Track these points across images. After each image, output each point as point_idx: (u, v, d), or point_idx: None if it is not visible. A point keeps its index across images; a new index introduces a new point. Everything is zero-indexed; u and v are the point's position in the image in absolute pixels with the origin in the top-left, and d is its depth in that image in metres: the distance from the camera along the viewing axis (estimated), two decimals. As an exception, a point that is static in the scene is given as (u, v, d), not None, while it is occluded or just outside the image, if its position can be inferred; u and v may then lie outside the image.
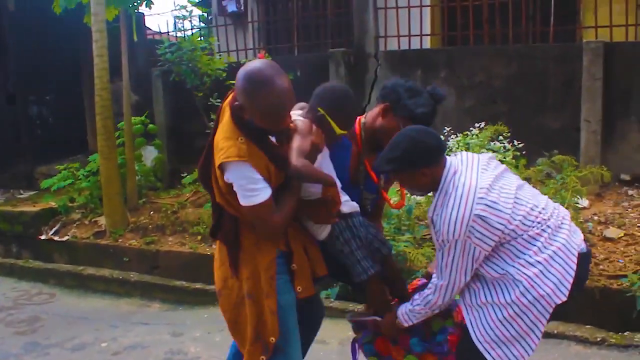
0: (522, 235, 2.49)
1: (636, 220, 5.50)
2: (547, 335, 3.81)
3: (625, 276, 4.71)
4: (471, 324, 2.57)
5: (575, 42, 6.61)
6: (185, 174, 7.58)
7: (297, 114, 2.68)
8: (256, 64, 2.34)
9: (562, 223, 2.60)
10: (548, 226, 2.54)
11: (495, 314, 2.52)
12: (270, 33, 9.62)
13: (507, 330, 2.51)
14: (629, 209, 5.70)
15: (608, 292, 4.67)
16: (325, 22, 8.83)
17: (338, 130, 2.65)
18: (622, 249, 5.13)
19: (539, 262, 2.48)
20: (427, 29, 7.55)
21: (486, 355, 2.52)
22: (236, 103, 2.35)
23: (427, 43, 7.62)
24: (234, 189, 2.41)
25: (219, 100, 7.18)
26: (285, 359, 2.56)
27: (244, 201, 2.40)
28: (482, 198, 2.44)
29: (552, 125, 6.41)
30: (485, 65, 6.75)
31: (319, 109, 2.64)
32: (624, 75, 6.18)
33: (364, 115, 3.01)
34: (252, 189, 2.37)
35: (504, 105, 6.63)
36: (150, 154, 8.09)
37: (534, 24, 7.02)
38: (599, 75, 6.08)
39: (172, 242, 6.49)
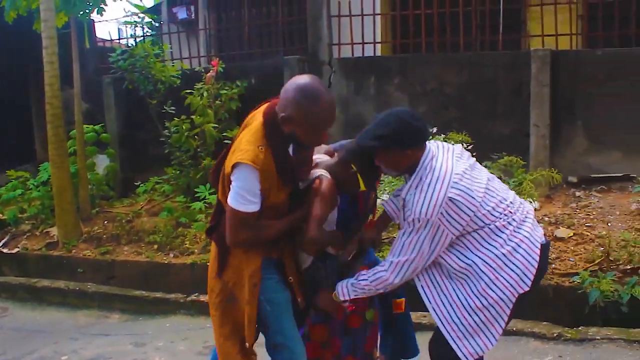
0: (489, 225, 2.58)
1: (584, 220, 5.74)
2: (506, 332, 3.89)
3: (576, 274, 4.91)
4: (440, 319, 2.64)
5: (521, 50, 6.84)
6: (139, 183, 7.48)
7: (321, 160, 2.79)
8: (307, 79, 2.43)
9: (526, 217, 2.71)
10: (514, 219, 2.65)
11: (464, 306, 2.60)
12: (222, 40, 9.60)
13: (474, 321, 2.59)
14: (577, 210, 5.94)
15: (561, 289, 4.86)
16: (277, 30, 8.88)
17: (363, 187, 2.75)
18: (572, 248, 5.34)
19: (503, 254, 2.59)
20: (379, 37, 7.67)
21: (455, 348, 2.60)
22: (283, 114, 2.40)
23: (379, 51, 7.74)
24: (232, 185, 2.45)
25: (173, 108, 7.15)
26: (290, 353, 2.61)
27: (231, 201, 2.45)
28: (456, 182, 2.53)
29: (502, 130, 6.61)
30: (438, 73, 6.92)
31: (352, 166, 2.72)
32: (570, 82, 6.45)
33: None
34: (245, 197, 2.43)
35: (455, 111, 6.80)
36: (102, 163, 7.95)
37: (482, 33, 7.23)
38: (547, 82, 6.33)
39: (127, 252, 6.39)
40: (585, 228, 5.61)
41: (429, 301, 2.67)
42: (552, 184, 6.18)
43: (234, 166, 2.44)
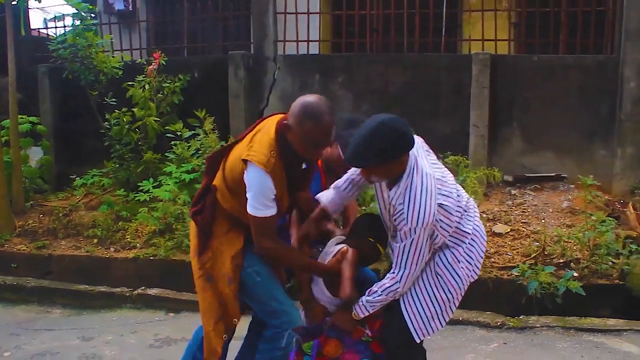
0: (457, 221, 2.69)
1: (520, 217, 6.01)
2: (453, 322, 4.08)
3: (514, 267, 5.15)
4: (405, 308, 2.73)
5: (456, 53, 7.08)
6: (75, 176, 7.24)
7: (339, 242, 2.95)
8: (315, 98, 2.61)
9: (475, 211, 2.84)
10: (469, 214, 2.78)
11: (429, 297, 2.72)
12: (162, 33, 9.44)
13: (435, 310, 2.73)
14: (513, 207, 6.21)
15: (500, 282, 5.09)
16: (221, 24, 8.81)
17: (382, 252, 2.92)
18: (509, 243, 5.60)
19: (468, 248, 2.73)
20: (322, 36, 7.77)
21: (412, 332, 2.72)
22: (286, 122, 2.61)
23: (322, 49, 7.83)
24: (247, 194, 2.62)
25: (114, 100, 7.00)
26: (288, 317, 2.75)
27: (250, 209, 2.63)
28: (439, 188, 2.61)
29: (443, 130, 6.82)
30: (382, 72, 7.06)
31: (370, 239, 2.87)
32: (507, 86, 6.73)
33: None
34: (262, 202, 2.61)
35: (398, 110, 6.89)
36: (36, 156, 7.67)
37: (424, 35, 7.43)
38: (487, 84, 6.59)
39: (65, 246, 6.20)
40: (521, 224, 5.88)
41: None
42: (490, 183, 6.45)
43: (245, 162, 2.61)
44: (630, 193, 6.38)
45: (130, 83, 6.87)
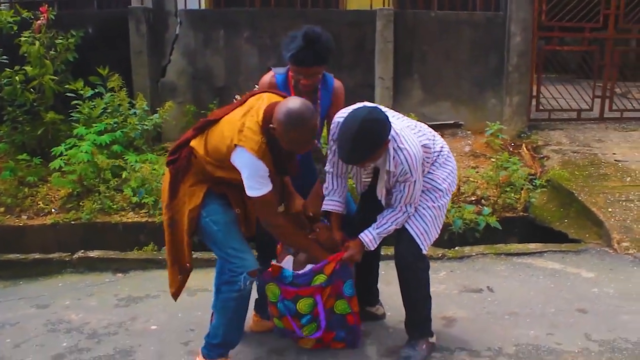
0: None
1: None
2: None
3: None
4: (412, 228, 3.10)
5: (367, 9, 7.31)
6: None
7: None
8: (299, 104, 2.75)
9: (436, 134, 3.29)
10: (435, 138, 3.22)
11: (428, 216, 3.11)
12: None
13: (433, 222, 3.13)
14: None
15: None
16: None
17: None
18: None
19: (451, 169, 3.22)
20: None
21: (420, 244, 3.10)
22: (271, 125, 2.77)
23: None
24: (243, 176, 2.81)
25: (5, 57, 6.50)
26: (242, 262, 2.94)
27: (251, 192, 2.83)
28: (415, 134, 3.04)
29: (348, 83, 6.95)
30: (287, 27, 7.01)
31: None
32: (408, 40, 7.13)
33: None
34: (258, 181, 2.81)
35: (305, 65, 7.11)
36: None
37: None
38: (391, 39, 6.94)
39: (-35, 217, 5.74)
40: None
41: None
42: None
43: (236, 148, 2.77)
44: (517, 137, 7.13)
45: (25, 38, 6.38)
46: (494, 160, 6.34)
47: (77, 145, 5.97)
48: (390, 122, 2.86)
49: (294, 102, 2.77)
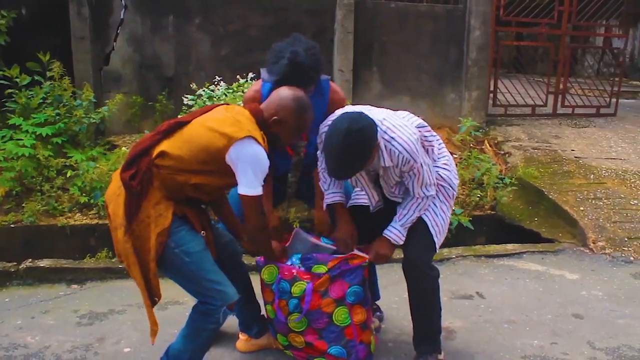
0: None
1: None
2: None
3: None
4: (431, 225, 2.91)
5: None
6: None
7: None
8: (298, 93, 2.74)
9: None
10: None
11: (441, 212, 2.96)
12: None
13: (446, 215, 2.98)
14: (381, 149, 6.50)
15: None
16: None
17: None
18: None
19: (448, 160, 3.06)
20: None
21: (435, 237, 2.92)
22: (276, 117, 2.70)
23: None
24: (245, 172, 2.55)
25: None
26: (222, 295, 2.63)
27: (247, 191, 2.57)
28: (403, 118, 2.84)
29: (305, 74, 6.80)
30: (241, 14, 6.78)
31: None
32: (368, 31, 6.90)
33: None
34: (260, 178, 2.58)
35: (260, 54, 6.71)
36: None
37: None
38: (351, 29, 6.69)
39: None
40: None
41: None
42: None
43: (240, 141, 2.53)
44: (475, 132, 7.06)
45: (-51, 20, 5.74)
46: (456, 156, 6.23)
47: (14, 139, 5.42)
48: (375, 124, 2.64)
49: (289, 91, 2.75)
